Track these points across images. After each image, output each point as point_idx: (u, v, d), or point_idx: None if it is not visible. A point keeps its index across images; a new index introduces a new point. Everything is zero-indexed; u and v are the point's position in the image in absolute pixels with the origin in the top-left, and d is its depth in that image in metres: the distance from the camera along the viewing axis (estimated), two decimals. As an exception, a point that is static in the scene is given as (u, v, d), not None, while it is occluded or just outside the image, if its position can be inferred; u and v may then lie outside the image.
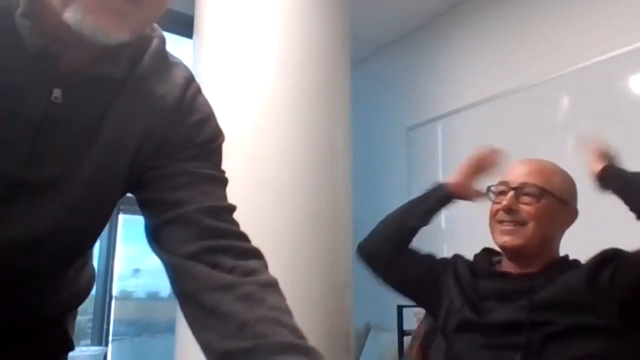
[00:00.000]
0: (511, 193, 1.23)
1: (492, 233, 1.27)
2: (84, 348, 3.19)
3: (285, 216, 2.22)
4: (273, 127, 2.29)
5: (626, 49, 2.61)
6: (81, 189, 0.66)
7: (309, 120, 2.35)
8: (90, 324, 3.47)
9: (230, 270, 0.65)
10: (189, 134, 0.73)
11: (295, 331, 0.62)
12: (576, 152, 2.61)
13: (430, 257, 1.53)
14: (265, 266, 0.72)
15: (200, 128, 0.76)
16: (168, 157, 0.71)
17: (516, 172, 1.27)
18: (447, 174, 3.40)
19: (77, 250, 0.75)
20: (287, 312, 0.66)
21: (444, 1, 3.52)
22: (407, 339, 2.61)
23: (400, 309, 2.87)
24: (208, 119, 0.78)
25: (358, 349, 3.34)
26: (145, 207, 0.72)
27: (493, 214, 1.27)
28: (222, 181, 0.81)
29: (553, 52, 2.94)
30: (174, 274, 0.69)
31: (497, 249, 1.33)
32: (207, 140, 0.78)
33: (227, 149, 2.67)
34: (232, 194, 2.60)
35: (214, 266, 0.65)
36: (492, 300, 1.19)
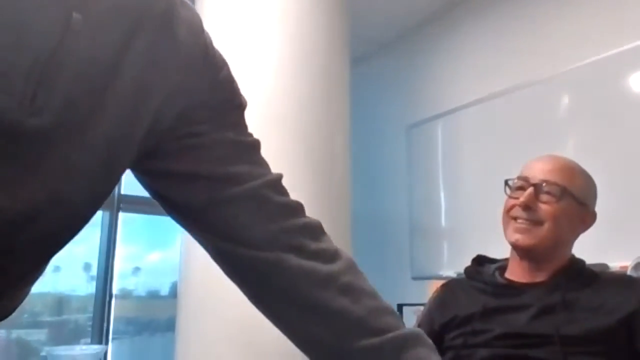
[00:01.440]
0: (530, 189, 1.16)
1: (505, 229, 1.20)
2: (84, 346, 3.19)
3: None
4: (272, 126, 2.29)
5: (626, 47, 2.60)
6: (88, 148, 0.51)
7: (309, 118, 2.34)
8: (90, 323, 3.47)
9: (316, 255, 0.61)
10: (225, 94, 0.64)
11: (396, 315, 0.62)
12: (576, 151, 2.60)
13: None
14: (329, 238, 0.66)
15: (232, 85, 0.66)
16: (206, 123, 0.60)
17: (537, 168, 1.19)
18: (447, 172, 3.42)
19: (61, 237, 0.55)
20: (378, 294, 0.65)
21: (443, 0, 3.52)
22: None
23: (400, 307, 2.87)
24: (232, 74, 0.67)
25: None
26: (178, 183, 0.60)
27: (508, 209, 1.20)
28: (260, 147, 0.69)
29: (553, 50, 2.93)
30: (250, 265, 0.61)
31: (491, 255, 1.31)
32: (242, 102, 0.68)
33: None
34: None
35: (299, 251, 0.60)
36: (503, 315, 1.15)
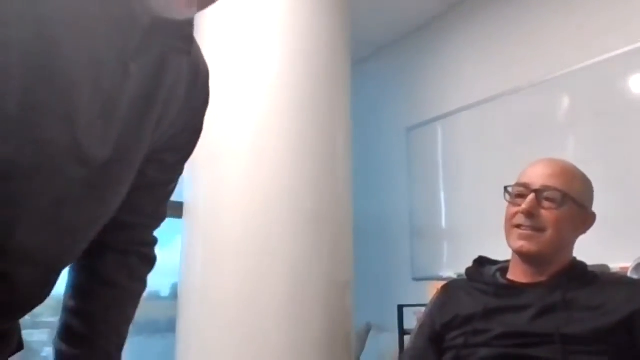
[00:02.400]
0: (532, 196, 1.15)
1: (508, 237, 1.20)
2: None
3: (285, 216, 2.22)
4: (273, 128, 2.29)
5: (627, 48, 2.61)
6: (130, 166, 0.64)
7: (309, 120, 2.35)
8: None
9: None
10: (200, 127, 0.77)
11: None
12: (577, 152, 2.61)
13: (425, 341, 1.30)
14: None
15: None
16: (173, 153, 0.75)
17: (537, 174, 1.19)
18: (447, 173, 3.43)
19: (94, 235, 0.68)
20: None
21: (443, 2, 3.52)
22: (407, 339, 2.61)
23: (400, 308, 2.87)
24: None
25: (359, 349, 3.34)
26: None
27: (510, 217, 1.19)
28: None
29: (553, 52, 2.94)
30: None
31: (491, 255, 1.31)
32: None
33: (226, 149, 2.67)
34: (234, 195, 2.59)
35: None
36: (504, 315, 1.15)
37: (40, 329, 3.39)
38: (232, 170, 2.27)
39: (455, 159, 3.42)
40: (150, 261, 0.80)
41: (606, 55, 2.68)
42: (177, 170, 0.77)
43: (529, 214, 1.15)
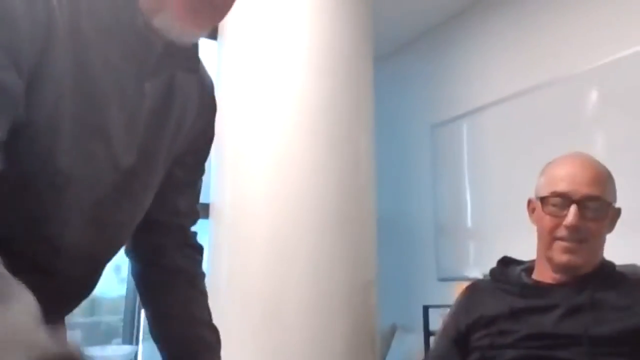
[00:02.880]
0: (575, 209, 1.10)
1: (547, 249, 1.15)
2: (115, 347, 3.26)
3: (309, 216, 2.23)
4: (296, 128, 2.31)
5: (657, 42, 2.54)
6: (155, 172, 0.74)
7: (333, 119, 2.35)
8: (122, 324, 3.54)
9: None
10: (212, 132, 0.87)
11: None
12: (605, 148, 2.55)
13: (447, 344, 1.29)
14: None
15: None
16: (191, 156, 0.85)
17: (576, 181, 1.13)
18: (473, 171, 3.39)
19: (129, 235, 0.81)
20: None
21: (467, -2, 3.49)
22: (433, 340, 2.59)
23: (426, 309, 2.85)
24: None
25: (384, 350, 3.33)
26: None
27: (551, 229, 1.14)
28: None
29: (581, 46, 2.88)
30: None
31: (516, 257, 1.30)
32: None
33: (250, 149, 2.68)
34: (259, 196, 2.61)
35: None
36: (530, 315, 1.13)
37: (72, 330, 3.48)
38: (257, 171, 2.29)
39: (481, 156, 3.38)
40: (201, 250, 0.92)
41: (635, 49, 2.62)
42: (199, 170, 0.88)
43: (575, 228, 1.11)
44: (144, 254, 0.85)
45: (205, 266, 2.63)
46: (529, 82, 3.09)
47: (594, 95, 2.83)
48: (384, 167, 3.19)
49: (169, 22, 0.61)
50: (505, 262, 1.30)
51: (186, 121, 0.77)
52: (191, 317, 0.84)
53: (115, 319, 3.57)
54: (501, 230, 3.07)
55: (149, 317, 0.86)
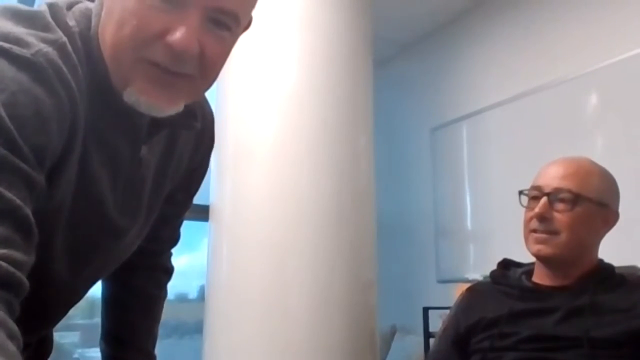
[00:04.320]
0: (544, 200, 1.14)
1: (526, 241, 1.20)
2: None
3: (308, 217, 2.23)
4: (295, 128, 2.31)
5: (656, 44, 2.54)
6: (145, 226, 0.77)
7: (331, 121, 2.35)
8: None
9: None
10: (207, 166, 0.89)
11: None
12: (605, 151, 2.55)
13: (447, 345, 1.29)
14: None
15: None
16: (184, 192, 0.87)
17: (550, 175, 1.17)
18: (473, 174, 3.39)
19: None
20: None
21: (465, 0, 3.49)
22: (433, 342, 2.59)
23: (425, 311, 2.85)
24: None
25: (384, 352, 3.33)
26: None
27: (526, 222, 1.19)
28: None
29: (580, 49, 2.89)
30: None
31: (517, 259, 1.30)
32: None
33: (250, 151, 2.68)
34: (258, 197, 2.60)
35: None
36: (530, 318, 1.14)
37: (72, 331, 3.47)
38: (256, 173, 2.29)
39: (481, 158, 3.39)
40: (170, 272, 0.96)
41: (635, 51, 2.62)
42: (187, 204, 0.90)
43: (542, 217, 1.14)
44: (115, 269, 0.86)
45: (205, 269, 2.60)
46: (528, 84, 3.10)
47: (594, 98, 2.84)
48: (384, 170, 3.20)
49: (135, 98, 0.59)
50: (506, 265, 1.30)
51: (183, 163, 0.79)
52: (134, 343, 0.90)
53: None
54: (501, 233, 3.08)
55: (102, 326, 0.91)
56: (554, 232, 1.14)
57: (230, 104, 2.41)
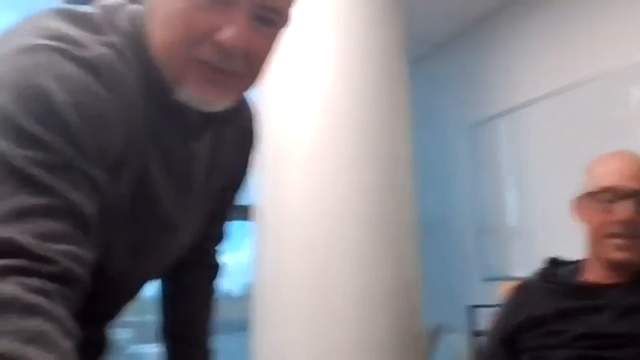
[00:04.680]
0: (629, 203, 1.08)
1: (598, 246, 1.13)
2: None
3: (349, 217, 2.24)
4: (332, 130, 2.32)
5: None
6: (198, 223, 0.79)
7: (368, 122, 2.36)
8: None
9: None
10: (251, 164, 0.90)
11: None
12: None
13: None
14: None
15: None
16: (234, 190, 0.90)
17: (624, 175, 1.10)
18: (514, 170, 3.32)
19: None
20: None
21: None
22: (479, 341, 2.56)
23: (471, 309, 2.82)
24: None
25: (429, 350, 3.31)
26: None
27: (601, 226, 1.12)
28: None
29: (622, 40, 2.79)
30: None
31: (562, 252, 1.28)
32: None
33: (289, 151, 2.71)
34: (298, 197, 2.63)
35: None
36: (580, 316, 1.12)
37: (125, 328, 3.60)
38: (296, 173, 2.32)
39: (522, 154, 3.32)
40: (217, 268, 0.98)
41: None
42: (234, 201, 0.92)
43: (630, 222, 1.08)
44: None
45: (248, 267, 2.64)
46: (568, 78, 3.02)
47: (636, 91, 2.73)
48: (423, 168, 3.17)
49: (188, 95, 0.61)
50: (554, 262, 1.29)
51: (229, 160, 0.81)
52: (190, 339, 0.92)
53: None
54: (544, 229, 3.01)
55: (160, 323, 0.94)
56: (636, 236, 1.09)
57: (267, 105, 2.44)
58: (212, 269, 0.97)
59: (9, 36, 0.57)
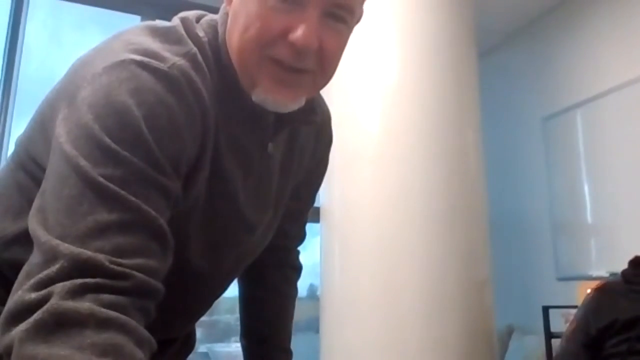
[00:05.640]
0: None
1: None
2: (238, 344, 3.45)
3: (418, 216, 2.21)
4: (401, 125, 2.30)
5: None
6: (275, 221, 0.80)
7: (438, 117, 2.32)
8: (239, 322, 3.75)
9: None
10: (327, 163, 0.92)
11: None
12: None
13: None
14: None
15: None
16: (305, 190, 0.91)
17: None
18: (591, 163, 3.16)
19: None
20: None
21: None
22: (555, 342, 2.45)
23: (546, 309, 2.71)
24: None
25: (501, 352, 3.21)
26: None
27: None
28: None
29: None
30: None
31: None
32: None
33: (357, 152, 2.72)
34: (367, 197, 2.63)
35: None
36: None
37: (197, 328, 3.74)
38: (365, 173, 2.31)
39: (599, 147, 3.15)
40: (299, 270, 0.99)
41: None
42: (311, 199, 0.93)
43: None
44: (247, 269, 0.89)
45: (315, 268, 2.69)
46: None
47: None
48: (495, 163, 3.08)
49: (263, 97, 0.64)
50: (637, 263, 1.22)
51: (304, 158, 0.82)
52: (271, 340, 0.93)
53: (233, 318, 3.78)
54: (625, 226, 2.84)
55: (242, 324, 0.96)
56: None
57: (335, 105, 2.45)
58: (295, 270, 0.98)
59: (99, 52, 0.62)
